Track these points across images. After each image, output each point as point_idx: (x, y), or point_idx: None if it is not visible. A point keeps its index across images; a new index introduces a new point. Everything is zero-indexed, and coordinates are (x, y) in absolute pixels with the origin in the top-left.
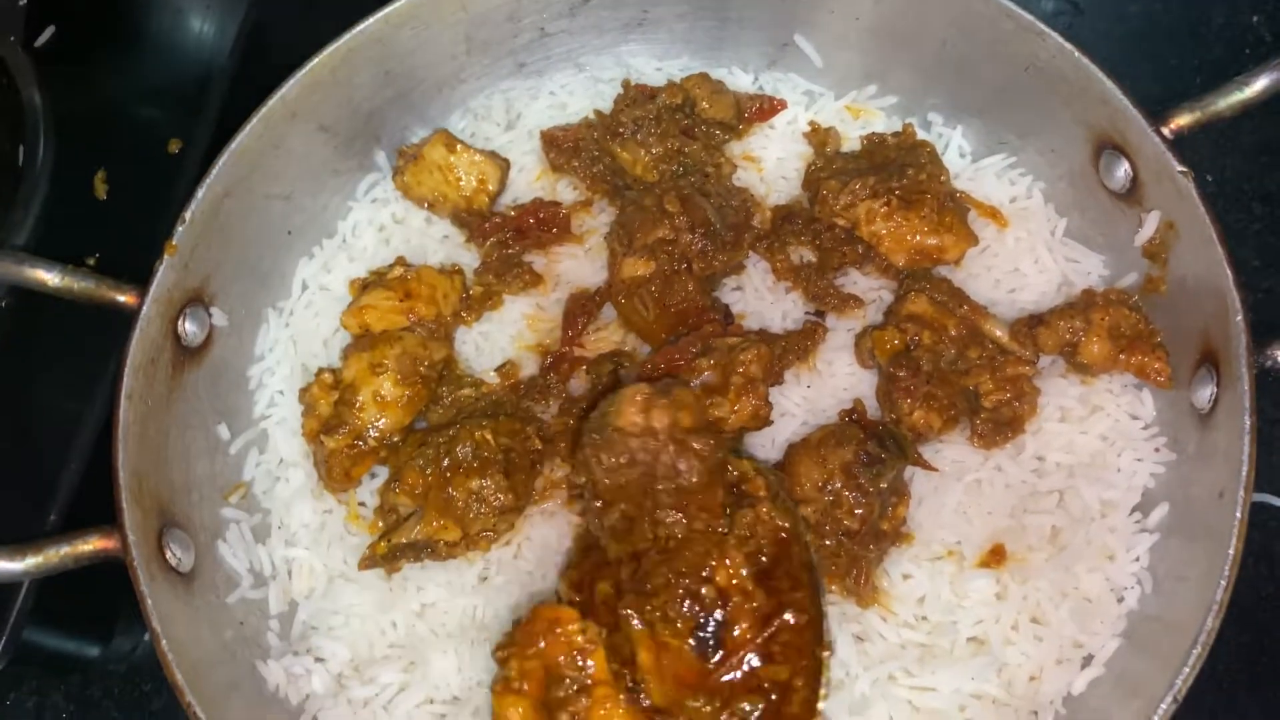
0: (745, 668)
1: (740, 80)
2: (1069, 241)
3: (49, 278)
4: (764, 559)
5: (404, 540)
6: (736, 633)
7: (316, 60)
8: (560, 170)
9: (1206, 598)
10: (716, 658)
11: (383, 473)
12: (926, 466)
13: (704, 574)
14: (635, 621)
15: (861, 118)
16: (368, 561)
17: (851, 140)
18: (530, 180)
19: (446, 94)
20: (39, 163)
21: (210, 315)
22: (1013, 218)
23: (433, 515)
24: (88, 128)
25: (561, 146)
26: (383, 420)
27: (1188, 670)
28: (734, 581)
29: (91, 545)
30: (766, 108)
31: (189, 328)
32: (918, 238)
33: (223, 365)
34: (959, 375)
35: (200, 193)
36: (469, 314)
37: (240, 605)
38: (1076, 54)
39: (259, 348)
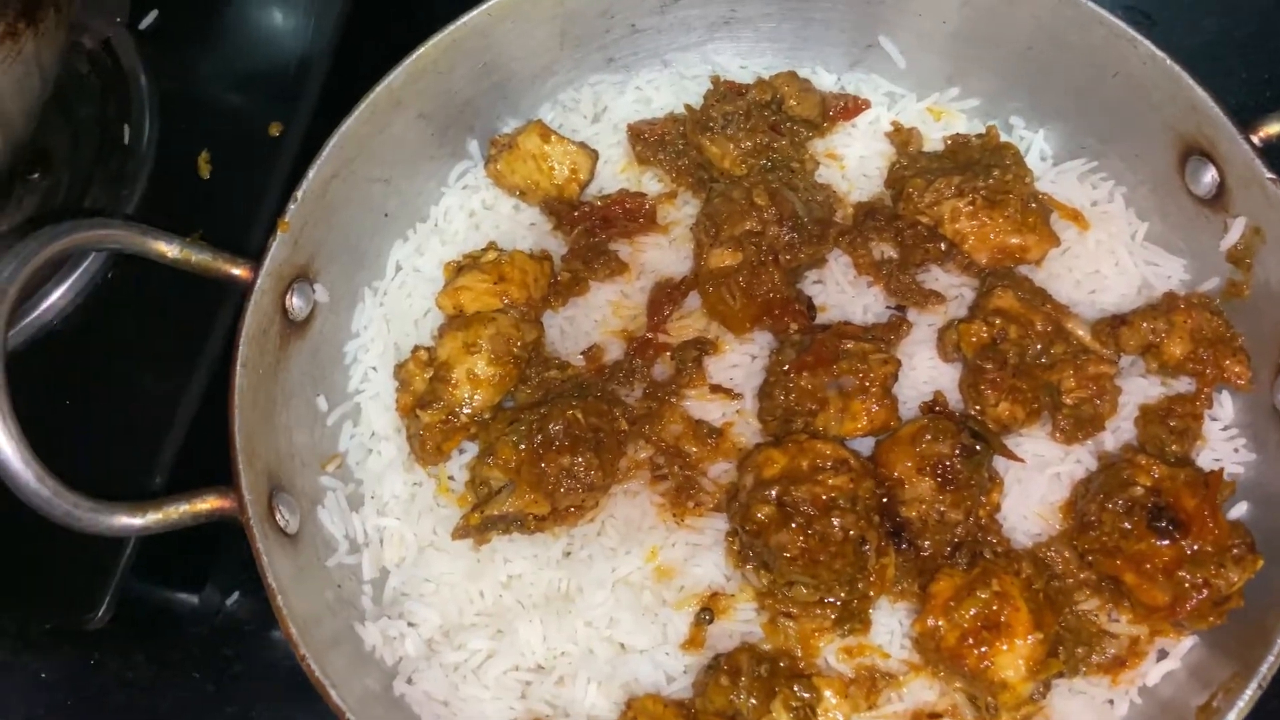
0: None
1: (823, 80)
2: (1149, 245)
3: (168, 249)
4: None
5: (496, 512)
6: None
7: (422, 49)
8: (645, 163)
9: None
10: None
11: (471, 448)
12: (1013, 457)
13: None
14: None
15: (943, 119)
16: (461, 531)
17: (933, 141)
18: (615, 172)
19: (538, 86)
20: (144, 141)
21: (314, 291)
22: (1094, 221)
23: (524, 489)
24: (191, 109)
25: (647, 140)
26: (476, 397)
27: (1264, 670)
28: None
29: (208, 504)
30: (851, 106)
31: (296, 302)
32: (1001, 237)
33: (322, 340)
34: (1043, 370)
35: (311, 173)
36: (556, 299)
37: (337, 569)
38: (1168, 61)
39: (355, 325)
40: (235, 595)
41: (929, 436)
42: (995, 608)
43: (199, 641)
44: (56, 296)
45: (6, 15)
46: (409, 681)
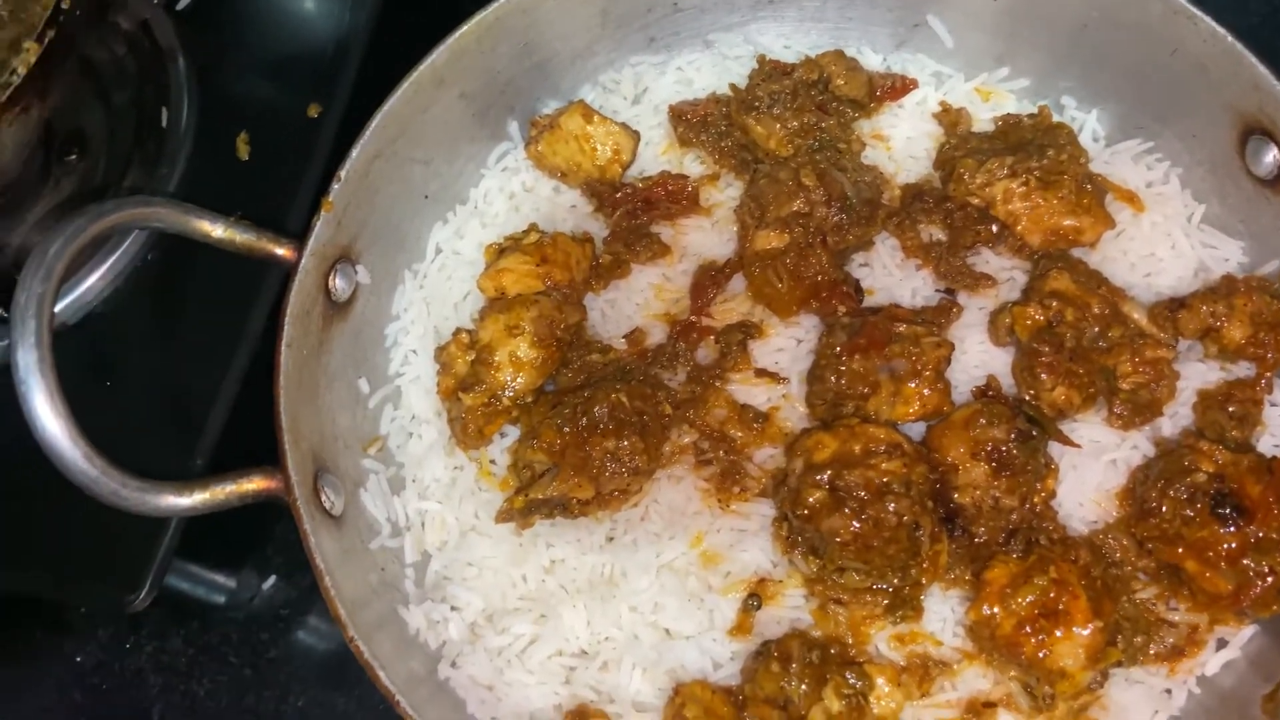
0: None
1: (869, 60)
2: (1206, 228)
3: (213, 229)
4: None
5: (539, 496)
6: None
7: (466, 27)
8: (687, 144)
9: None
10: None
11: (512, 432)
12: (1069, 443)
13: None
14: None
15: (991, 100)
16: (505, 515)
17: (982, 122)
18: (656, 154)
19: (579, 67)
20: (183, 123)
21: (356, 272)
22: (1149, 203)
23: (568, 472)
24: (228, 91)
25: (690, 121)
26: (519, 380)
27: None
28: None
29: (255, 484)
30: (899, 86)
31: (338, 283)
32: (1055, 218)
33: (363, 322)
34: (1099, 354)
35: (355, 151)
36: (597, 282)
37: (381, 552)
38: (1229, 39)
39: (395, 307)
40: (271, 580)
41: (983, 421)
42: (1053, 595)
43: (235, 626)
44: (96, 278)
45: None
46: (453, 665)
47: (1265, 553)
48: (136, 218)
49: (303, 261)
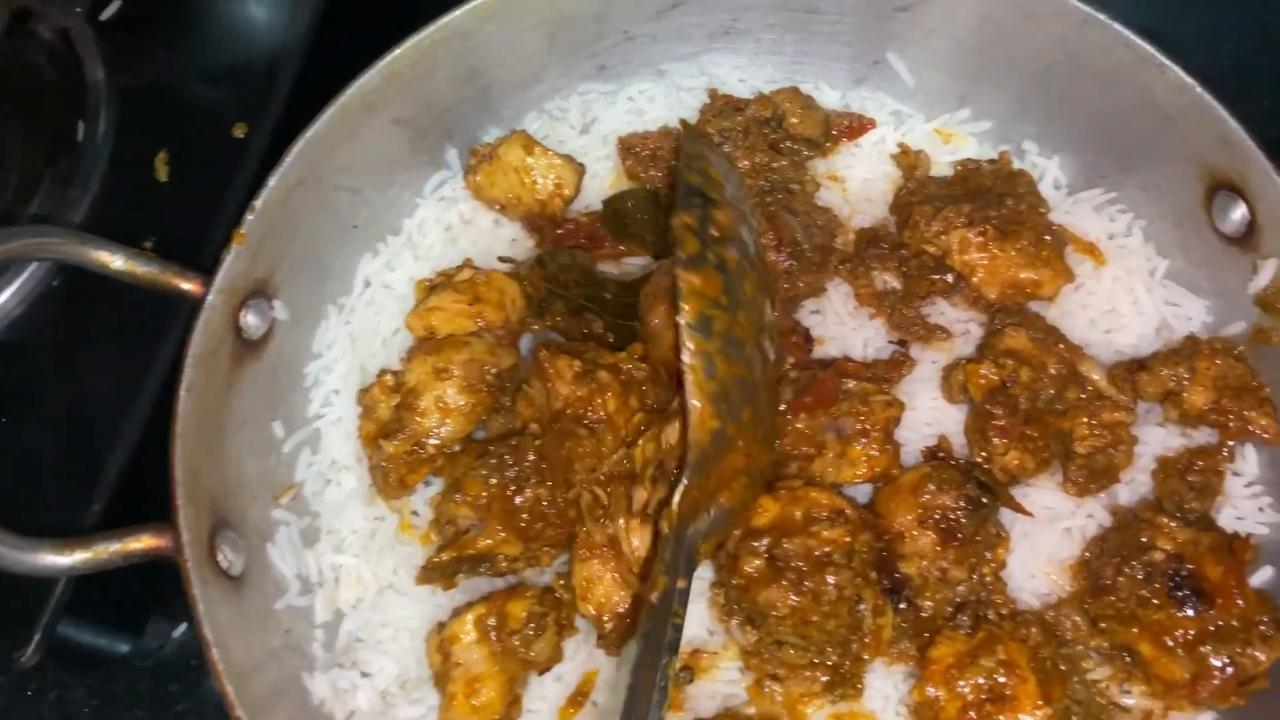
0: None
1: (826, 97)
2: (1170, 284)
3: (112, 260)
4: None
5: (465, 553)
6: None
7: (399, 50)
8: (636, 178)
9: None
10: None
11: (437, 482)
12: (1021, 510)
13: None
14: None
15: (952, 142)
16: (426, 575)
17: (941, 165)
18: (604, 186)
19: (523, 94)
20: (99, 139)
21: (273, 308)
22: (1111, 255)
23: (494, 527)
24: (151, 107)
25: (639, 154)
26: (445, 427)
27: None
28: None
29: (143, 543)
30: (856, 126)
31: (251, 320)
32: (1013, 270)
33: (279, 360)
34: (1055, 416)
35: (273, 181)
36: (536, 321)
37: (287, 612)
38: (1198, 89)
39: (317, 345)
40: (182, 628)
41: (932, 486)
42: (1001, 678)
43: (142, 676)
44: None
45: None
46: None
47: (1225, 641)
48: (29, 249)
49: (209, 298)
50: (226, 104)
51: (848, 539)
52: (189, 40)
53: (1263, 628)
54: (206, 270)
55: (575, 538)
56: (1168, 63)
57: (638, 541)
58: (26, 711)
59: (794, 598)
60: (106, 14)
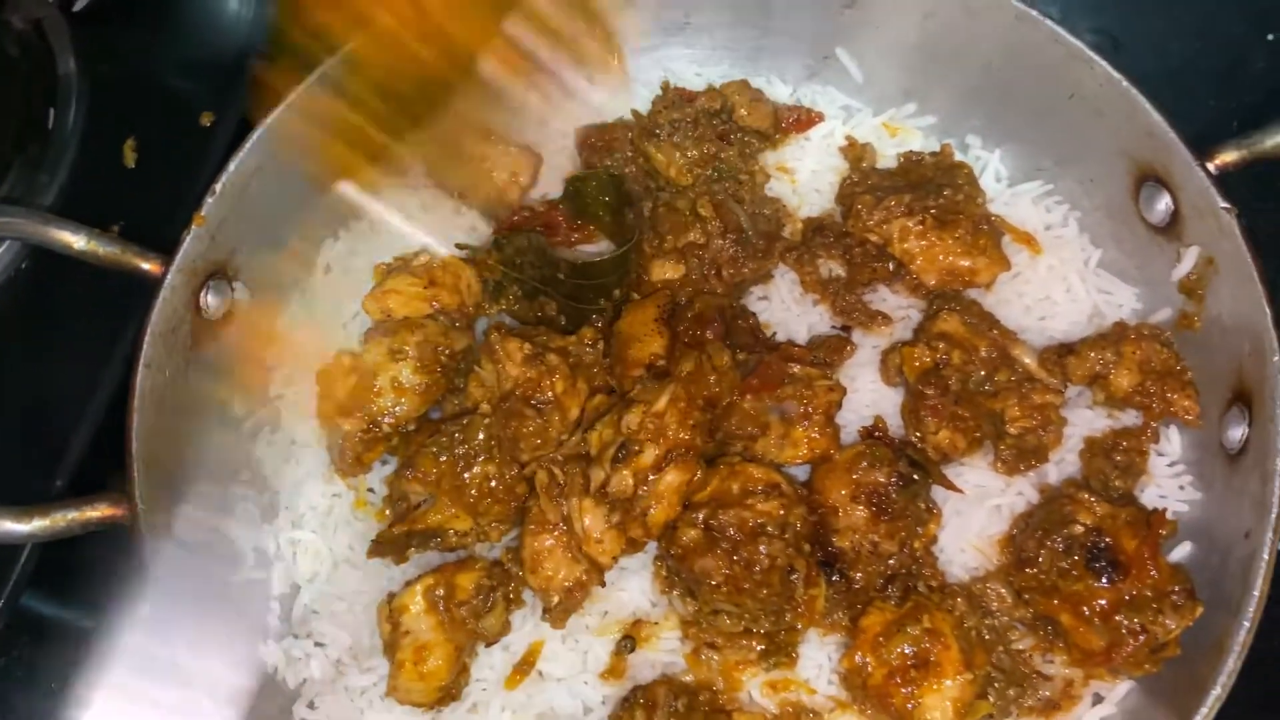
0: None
1: (778, 91)
2: (1102, 273)
3: (74, 240)
4: None
5: (415, 527)
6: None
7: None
8: (592, 169)
9: (1228, 640)
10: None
11: (393, 461)
12: (951, 487)
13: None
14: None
15: (899, 136)
16: (378, 549)
17: (887, 158)
18: (562, 177)
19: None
20: (69, 127)
21: (233, 289)
22: (1047, 245)
23: (445, 503)
24: (120, 95)
25: (595, 146)
26: (400, 407)
27: (1205, 711)
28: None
29: (99, 512)
30: (804, 119)
31: (210, 300)
32: (950, 258)
33: (240, 340)
34: (986, 398)
35: (232, 165)
36: (491, 305)
37: (243, 585)
38: (1124, 83)
39: (278, 326)
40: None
41: (865, 464)
42: (925, 645)
43: None
44: None
45: None
46: (311, 706)
47: (1138, 610)
48: None
49: (168, 278)
50: (195, 93)
51: (781, 512)
52: (159, 33)
53: (1174, 597)
54: (167, 251)
55: (526, 513)
56: (1095, 58)
57: (590, 521)
58: None
59: (727, 566)
60: (79, 5)
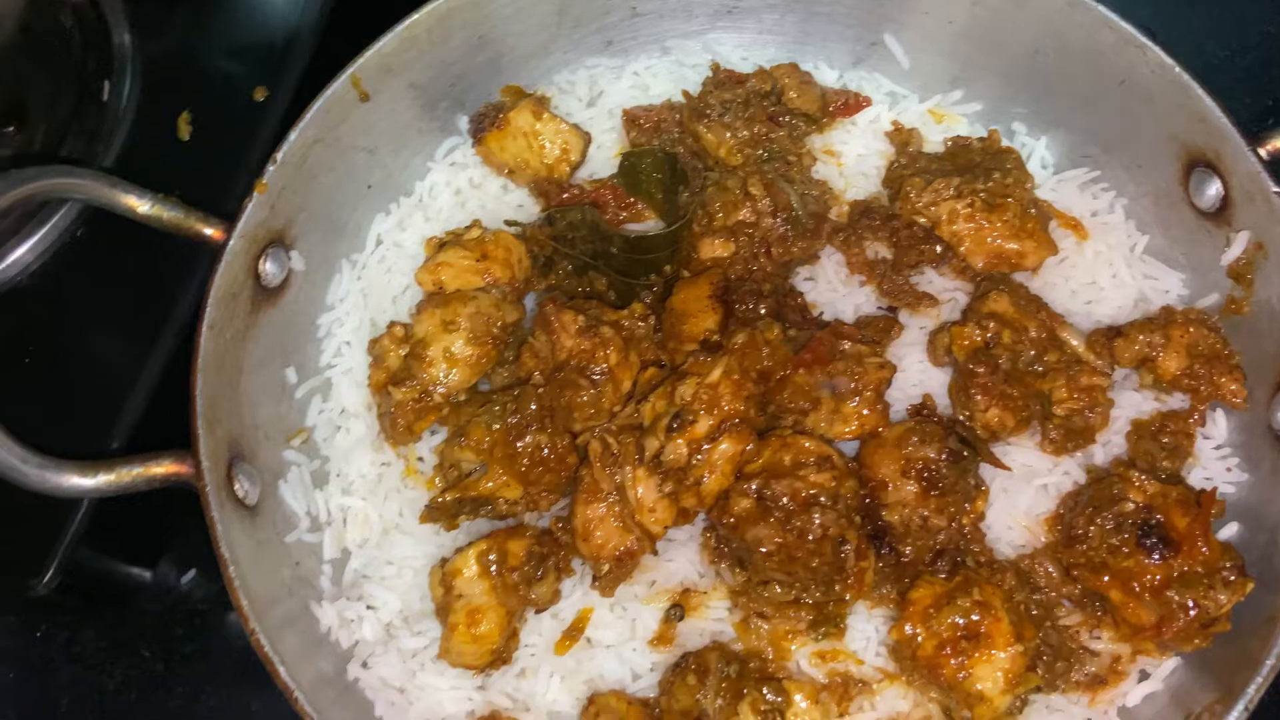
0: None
1: (825, 76)
2: (1148, 259)
3: (139, 204)
4: None
5: (467, 495)
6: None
7: (417, 16)
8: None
9: (1274, 620)
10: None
11: (442, 431)
12: (1000, 465)
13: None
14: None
15: (944, 122)
16: (430, 514)
17: (933, 144)
18: (608, 157)
19: (533, 65)
20: (124, 99)
21: (290, 258)
22: (1093, 231)
23: (496, 471)
24: (175, 70)
25: (643, 126)
26: (451, 377)
27: (1251, 694)
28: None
29: (164, 468)
30: (851, 103)
31: (269, 268)
32: (999, 241)
33: (295, 310)
34: (1035, 378)
35: (293, 135)
36: (539, 280)
37: (297, 546)
38: (1177, 69)
39: (330, 297)
40: (191, 574)
41: (915, 439)
42: (976, 617)
43: (151, 619)
44: (22, 252)
45: None
46: (364, 666)
47: (1189, 586)
48: (59, 187)
49: (231, 242)
50: (248, 69)
51: (833, 483)
52: (213, 9)
53: (1225, 573)
54: (228, 218)
55: (578, 482)
56: (1149, 43)
57: (643, 490)
58: (36, 654)
59: (780, 535)
60: None
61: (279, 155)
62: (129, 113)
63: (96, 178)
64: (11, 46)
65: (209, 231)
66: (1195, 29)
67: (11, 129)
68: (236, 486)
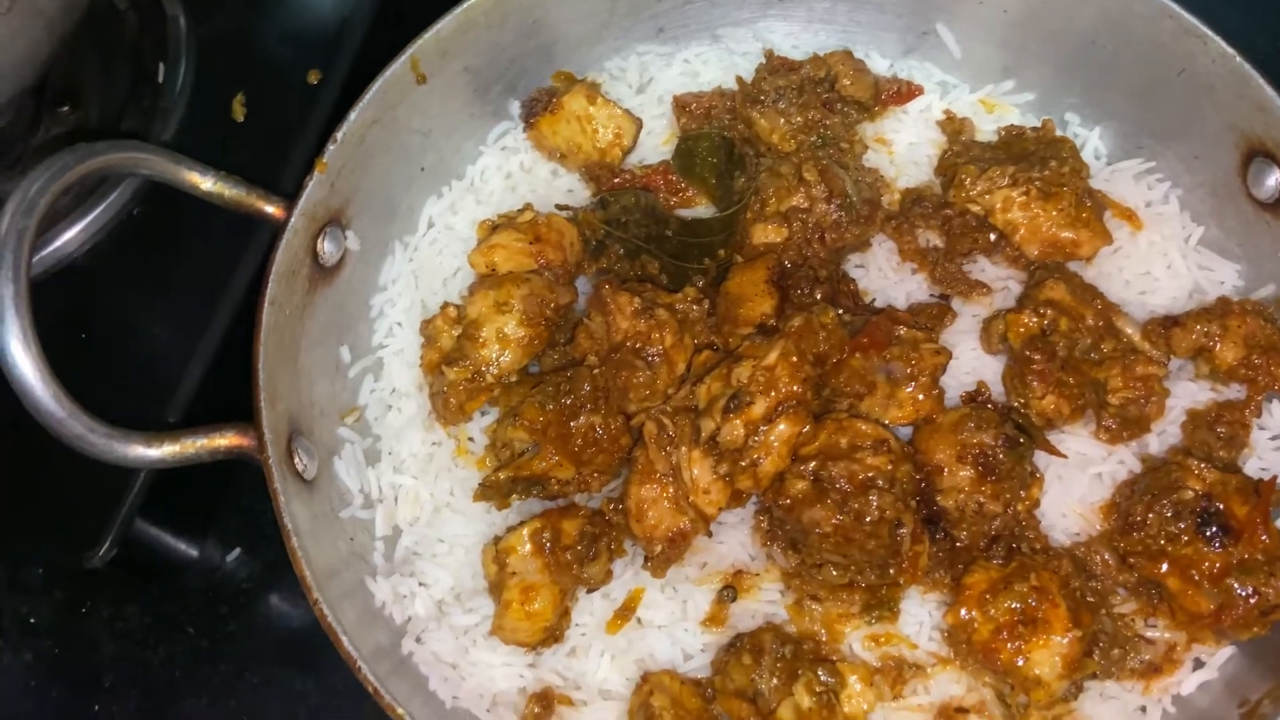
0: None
1: (876, 65)
2: (1203, 250)
3: (202, 180)
4: None
5: (520, 474)
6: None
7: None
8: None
9: None
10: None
11: (492, 412)
12: (1055, 452)
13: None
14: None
15: (995, 112)
16: (483, 493)
17: (985, 133)
18: (658, 143)
19: (585, 51)
20: (179, 80)
21: (346, 238)
22: (1147, 221)
23: (549, 451)
24: (229, 53)
25: (693, 112)
26: (504, 357)
27: None
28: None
29: (228, 440)
30: (904, 92)
31: (327, 246)
32: (1054, 230)
33: (349, 290)
34: (1091, 366)
35: (353, 115)
36: (590, 265)
37: (351, 522)
38: (1238, 59)
39: (383, 278)
40: (236, 552)
41: (971, 425)
42: (1033, 602)
43: (195, 596)
44: (79, 229)
45: None
46: (418, 641)
47: (1248, 573)
48: (126, 161)
49: (292, 220)
50: (301, 52)
51: (889, 466)
52: None
53: None
54: (288, 196)
55: (632, 463)
56: (1210, 33)
57: (698, 471)
58: (81, 629)
59: (837, 517)
60: None
61: (339, 134)
62: (183, 94)
63: (162, 153)
64: None
65: (270, 209)
66: (1241, 27)
67: (66, 108)
68: (296, 460)
